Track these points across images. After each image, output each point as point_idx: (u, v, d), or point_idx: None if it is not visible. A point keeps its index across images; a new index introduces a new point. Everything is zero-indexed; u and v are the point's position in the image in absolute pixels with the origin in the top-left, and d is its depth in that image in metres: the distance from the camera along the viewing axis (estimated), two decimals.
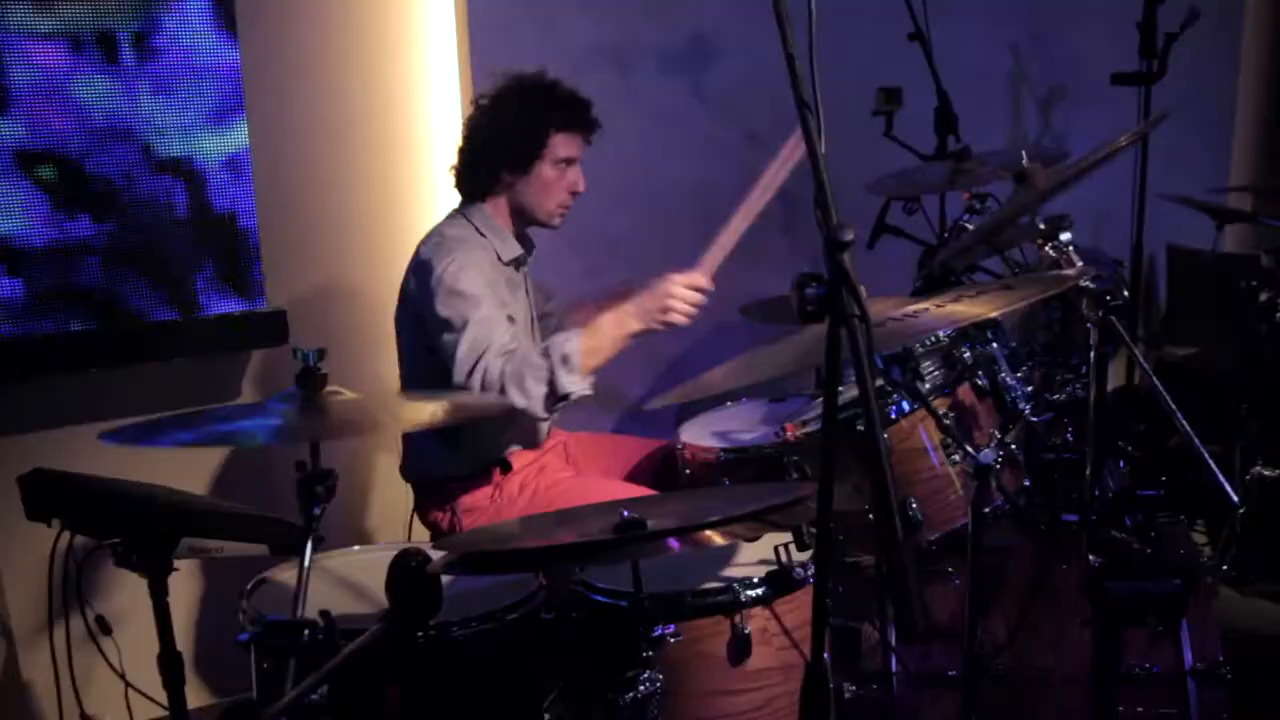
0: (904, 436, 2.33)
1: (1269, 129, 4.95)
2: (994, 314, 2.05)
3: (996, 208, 3.09)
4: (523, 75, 2.82)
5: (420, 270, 2.73)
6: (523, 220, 2.87)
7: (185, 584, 3.09)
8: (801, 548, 2.09)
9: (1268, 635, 3.20)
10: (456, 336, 2.61)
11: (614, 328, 2.62)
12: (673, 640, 2.00)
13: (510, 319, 2.69)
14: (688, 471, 2.77)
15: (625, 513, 1.76)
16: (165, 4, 2.88)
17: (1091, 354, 2.22)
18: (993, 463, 2.07)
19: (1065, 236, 2.38)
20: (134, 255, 2.95)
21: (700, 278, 2.63)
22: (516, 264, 2.88)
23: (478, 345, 2.58)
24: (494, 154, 2.79)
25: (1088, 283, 2.17)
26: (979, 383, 2.39)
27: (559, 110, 2.78)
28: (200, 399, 3.06)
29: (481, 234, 2.81)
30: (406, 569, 1.64)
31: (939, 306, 2.08)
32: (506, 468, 2.83)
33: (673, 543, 1.75)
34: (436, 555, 1.82)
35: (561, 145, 2.77)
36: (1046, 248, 2.41)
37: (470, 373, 2.56)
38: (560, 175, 2.79)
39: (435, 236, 2.79)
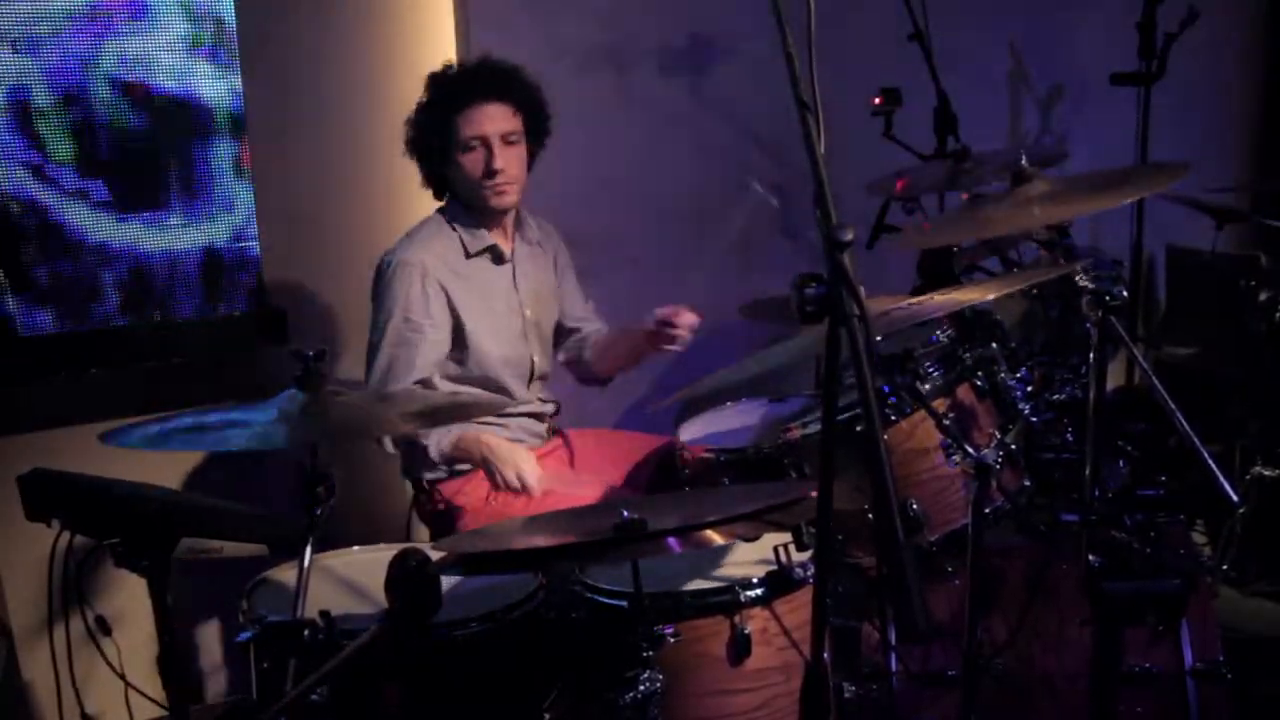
0: (904, 437, 2.33)
1: (1269, 129, 4.95)
2: (992, 295, 2.05)
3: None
4: (433, 72, 2.81)
5: (376, 271, 2.80)
6: (472, 210, 2.84)
7: (185, 584, 3.09)
8: (801, 548, 2.08)
9: (1268, 635, 3.21)
10: (375, 345, 2.74)
11: (475, 452, 2.71)
12: (673, 640, 2.00)
13: (427, 330, 2.74)
14: (687, 471, 2.77)
15: (625, 513, 1.76)
16: None
17: (1091, 354, 2.21)
18: (993, 463, 2.07)
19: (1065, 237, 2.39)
20: (134, 255, 2.95)
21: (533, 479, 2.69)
22: (495, 257, 2.86)
23: (389, 371, 2.73)
24: (423, 158, 2.82)
25: (1087, 283, 2.17)
26: (979, 383, 2.38)
27: (452, 94, 2.75)
28: (200, 399, 3.06)
29: (453, 227, 2.82)
30: (406, 569, 1.64)
31: (940, 295, 2.08)
32: None
33: (673, 542, 1.75)
34: (436, 555, 1.82)
35: (464, 125, 2.73)
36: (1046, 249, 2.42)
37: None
38: (472, 158, 2.74)
39: (404, 235, 2.83)
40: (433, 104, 2.77)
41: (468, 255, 2.82)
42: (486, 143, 2.73)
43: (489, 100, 2.74)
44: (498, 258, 2.86)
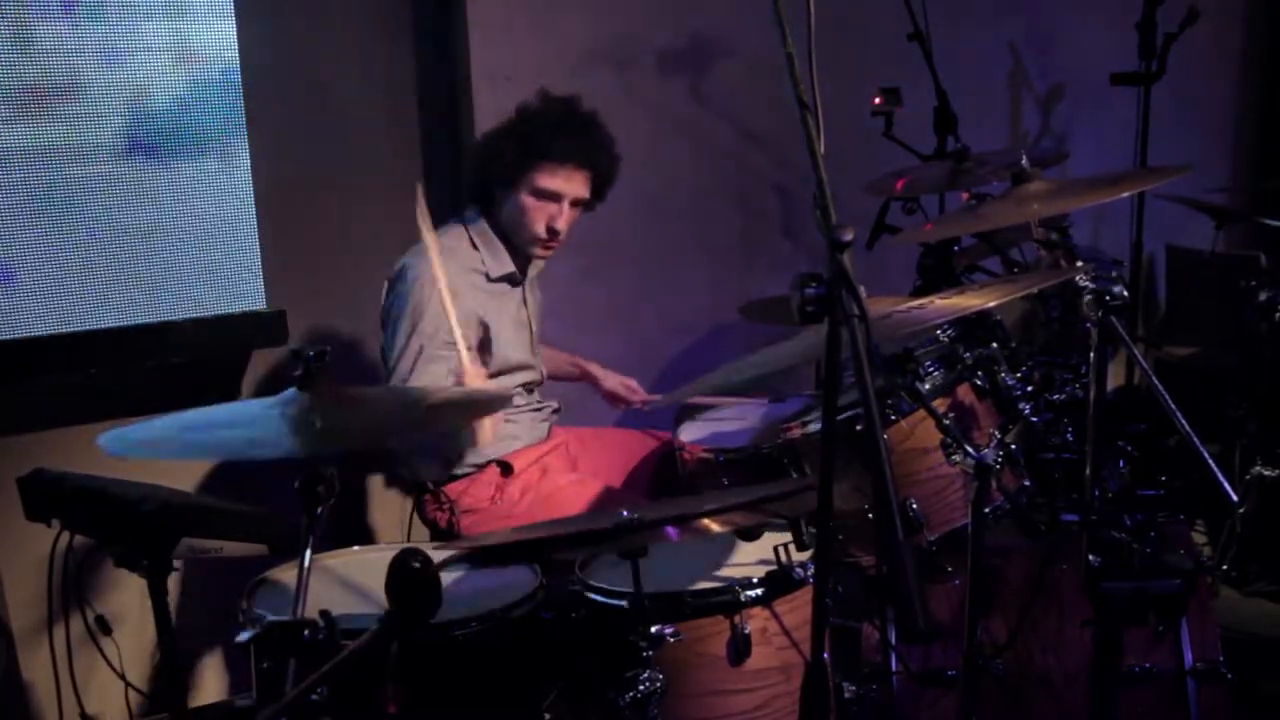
0: (904, 436, 2.33)
1: (1269, 129, 4.95)
2: (994, 303, 2.06)
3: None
4: (549, 95, 2.78)
5: (396, 274, 2.75)
6: (506, 241, 2.83)
7: (185, 584, 3.10)
8: (801, 547, 2.09)
9: (1268, 635, 3.21)
10: (400, 360, 2.66)
11: None
12: (673, 640, 2.00)
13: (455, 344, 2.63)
14: (687, 471, 2.77)
15: (625, 513, 1.77)
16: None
17: (1091, 354, 2.22)
18: (993, 463, 2.07)
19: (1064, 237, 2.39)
20: (134, 255, 2.95)
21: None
22: (511, 281, 2.86)
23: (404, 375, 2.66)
24: (485, 165, 2.79)
25: (1087, 283, 2.17)
26: (979, 383, 2.38)
27: (547, 141, 2.70)
28: (200, 399, 3.06)
29: (475, 246, 2.81)
30: (406, 569, 1.64)
31: (943, 299, 2.09)
32: (507, 469, 2.82)
33: (671, 532, 1.75)
34: (437, 555, 1.82)
35: (544, 176, 2.70)
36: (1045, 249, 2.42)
37: None
38: (539, 206, 2.72)
39: (422, 244, 2.80)
40: (522, 139, 2.71)
41: (489, 279, 2.82)
42: (559, 201, 2.73)
43: (579, 165, 2.73)
44: (514, 282, 2.88)
